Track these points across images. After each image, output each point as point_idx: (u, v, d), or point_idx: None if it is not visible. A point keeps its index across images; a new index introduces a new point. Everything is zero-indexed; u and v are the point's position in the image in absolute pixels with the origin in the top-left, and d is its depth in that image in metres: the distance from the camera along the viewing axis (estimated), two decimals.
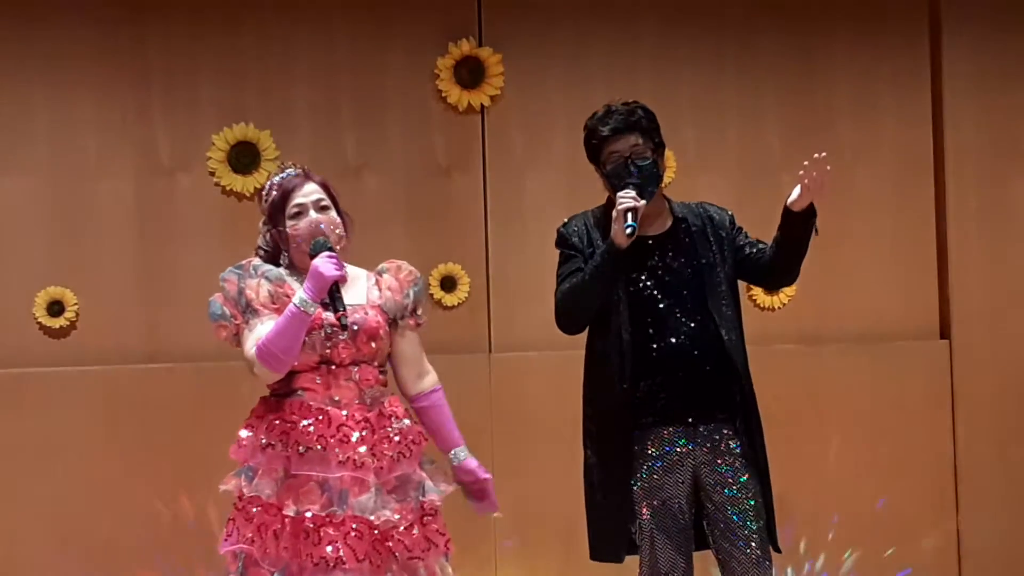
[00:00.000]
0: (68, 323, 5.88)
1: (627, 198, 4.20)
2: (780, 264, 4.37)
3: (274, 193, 4.17)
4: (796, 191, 4.23)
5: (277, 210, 4.15)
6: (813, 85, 6.32)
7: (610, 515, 4.31)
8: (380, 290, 4.18)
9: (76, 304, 5.88)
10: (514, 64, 6.12)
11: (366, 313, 4.12)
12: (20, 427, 5.78)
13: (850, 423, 6.14)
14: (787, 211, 4.25)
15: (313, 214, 4.13)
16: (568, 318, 4.36)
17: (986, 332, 6.29)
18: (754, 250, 4.42)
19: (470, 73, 6.09)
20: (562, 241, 4.43)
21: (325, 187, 4.20)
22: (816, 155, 4.17)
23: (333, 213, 4.16)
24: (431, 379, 4.24)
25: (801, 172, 4.19)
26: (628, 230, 4.16)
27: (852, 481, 6.11)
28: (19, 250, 5.90)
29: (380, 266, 4.26)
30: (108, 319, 5.91)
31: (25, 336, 5.86)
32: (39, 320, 5.86)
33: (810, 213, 4.24)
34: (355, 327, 4.05)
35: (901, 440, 6.18)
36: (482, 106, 6.11)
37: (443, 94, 6.09)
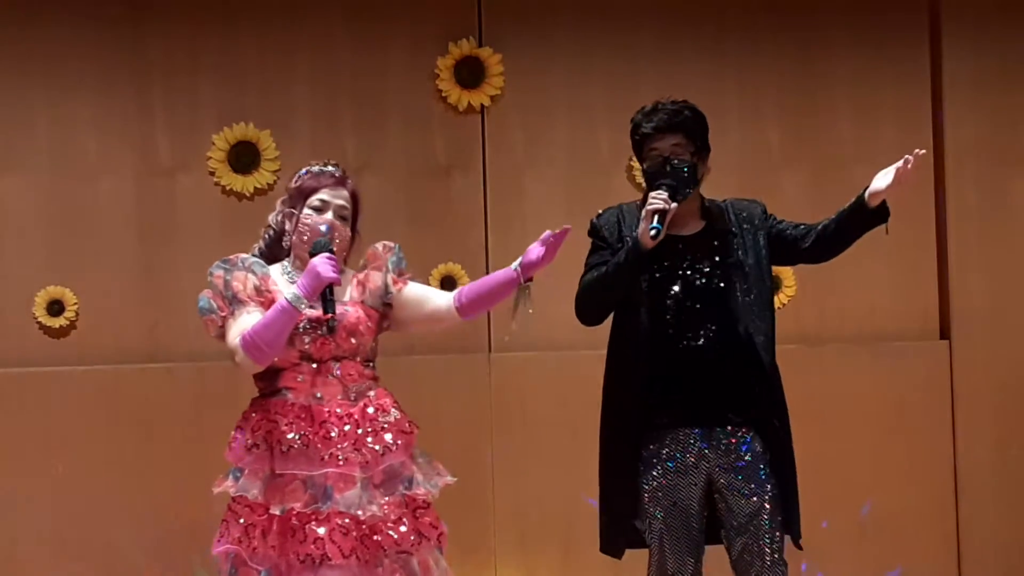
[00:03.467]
0: (68, 323, 5.88)
1: (658, 200, 4.18)
2: (832, 241, 4.37)
3: (307, 180, 4.23)
4: (885, 179, 4.21)
5: (302, 194, 4.21)
6: (813, 85, 6.31)
7: (614, 512, 4.31)
8: (363, 285, 4.22)
9: (76, 304, 5.87)
10: (514, 64, 6.12)
11: (346, 309, 4.15)
12: (20, 427, 5.78)
13: (850, 423, 6.14)
14: (863, 202, 4.25)
15: (331, 216, 4.17)
16: (585, 309, 4.37)
17: (986, 332, 6.29)
18: (795, 230, 4.40)
19: (470, 73, 6.09)
20: (593, 232, 4.43)
21: (354, 199, 4.26)
22: (918, 151, 4.18)
23: (346, 228, 4.20)
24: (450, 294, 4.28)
25: (899, 164, 4.17)
26: (652, 232, 4.14)
27: (851, 481, 6.11)
28: (19, 250, 5.90)
29: (362, 261, 4.30)
30: (108, 319, 5.91)
31: (25, 336, 5.86)
32: (39, 320, 5.86)
33: (884, 211, 4.26)
34: (334, 323, 4.08)
35: (901, 440, 6.17)
36: (482, 106, 6.11)
37: (443, 94, 6.09)
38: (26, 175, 5.92)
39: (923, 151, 4.20)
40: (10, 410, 5.78)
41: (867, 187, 4.26)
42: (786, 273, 6.19)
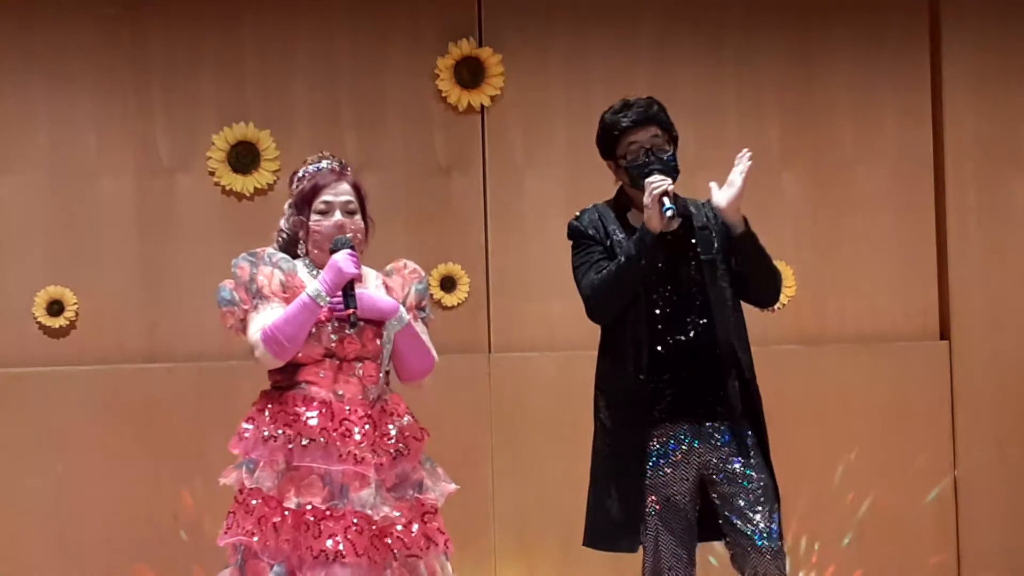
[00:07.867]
0: (68, 323, 5.88)
1: (659, 181, 4.17)
2: (751, 284, 4.37)
3: (306, 183, 4.22)
4: (723, 193, 4.25)
5: (305, 201, 4.21)
6: (813, 84, 6.32)
7: (617, 505, 4.28)
8: (387, 290, 4.22)
9: (76, 304, 5.88)
10: (514, 64, 6.12)
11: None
12: (20, 427, 5.78)
13: (850, 423, 6.14)
14: (731, 233, 4.27)
15: (339, 215, 4.17)
16: (604, 307, 4.29)
17: (986, 332, 6.29)
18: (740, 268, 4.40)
19: (470, 73, 6.09)
20: (577, 232, 4.39)
21: (357, 189, 4.25)
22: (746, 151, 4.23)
23: (358, 217, 4.22)
24: None
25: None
26: (669, 213, 4.13)
27: (851, 481, 6.11)
28: (19, 250, 5.90)
29: (388, 267, 4.30)
30: (108, 319, 5.91)
31: (25, 336, 5.86)
32: (39, 320, 5.86)
33: (748, 233, 4.27)
34: (361, 324, 4.08)
35: (901, 440, 6.18)
36: (482, 106, 6.11)
37: (443, 94, 6.09)
38: (26, 175, 5.93)
39: (749, 152, 4.22)
40: (10, 410, 5.78)
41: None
42: (786, 273, 6.18)
